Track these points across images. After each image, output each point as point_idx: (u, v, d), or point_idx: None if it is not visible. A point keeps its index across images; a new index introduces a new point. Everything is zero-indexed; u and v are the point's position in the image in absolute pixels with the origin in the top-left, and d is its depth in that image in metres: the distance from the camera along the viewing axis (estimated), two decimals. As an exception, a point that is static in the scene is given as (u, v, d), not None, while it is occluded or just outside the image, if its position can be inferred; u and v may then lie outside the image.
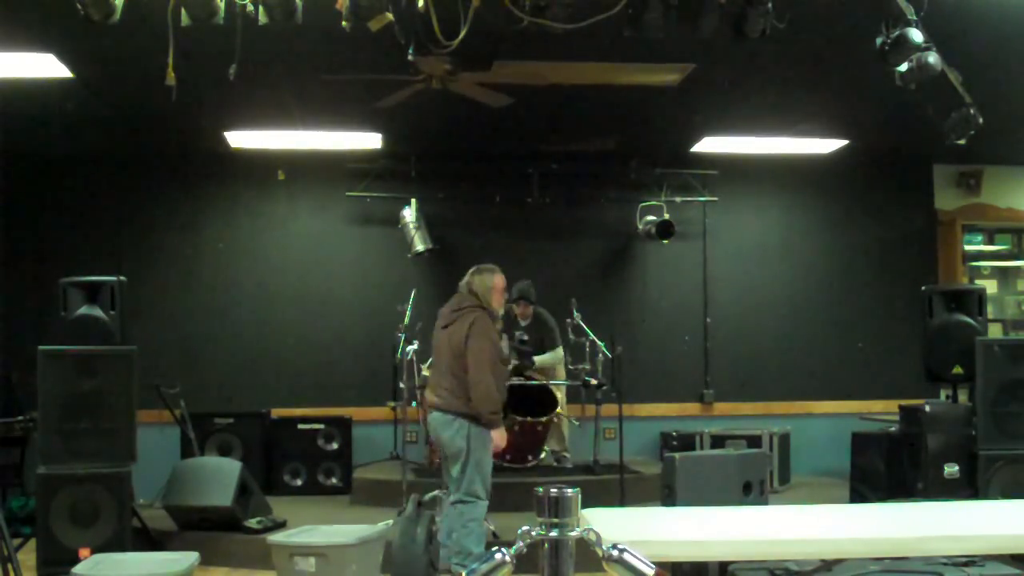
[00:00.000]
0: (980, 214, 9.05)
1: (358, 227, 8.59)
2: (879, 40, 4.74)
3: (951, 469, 6.19)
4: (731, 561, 3.88)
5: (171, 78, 4.23)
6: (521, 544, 1.82)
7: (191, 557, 4.76)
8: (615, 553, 1.79)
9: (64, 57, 5.75)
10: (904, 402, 6.78)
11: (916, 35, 4.62)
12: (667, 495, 5.10)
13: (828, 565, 3.64)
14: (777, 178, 8.83)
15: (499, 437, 5.31)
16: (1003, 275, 9.23)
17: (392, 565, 5.31)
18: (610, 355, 7.04)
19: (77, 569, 4.58)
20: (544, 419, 7.19)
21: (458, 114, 6.76)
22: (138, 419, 5.92)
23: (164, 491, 6.49)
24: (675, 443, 7.93)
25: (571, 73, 6.00)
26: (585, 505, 2.01)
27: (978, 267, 9.12)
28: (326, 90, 6.12)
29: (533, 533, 1.82)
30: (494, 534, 5.89)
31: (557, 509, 1.80)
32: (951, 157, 8.67)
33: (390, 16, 4.13)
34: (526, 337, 7.62)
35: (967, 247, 9.03)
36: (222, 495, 6.24)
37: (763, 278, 8.87)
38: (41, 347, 5.79)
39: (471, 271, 5.62)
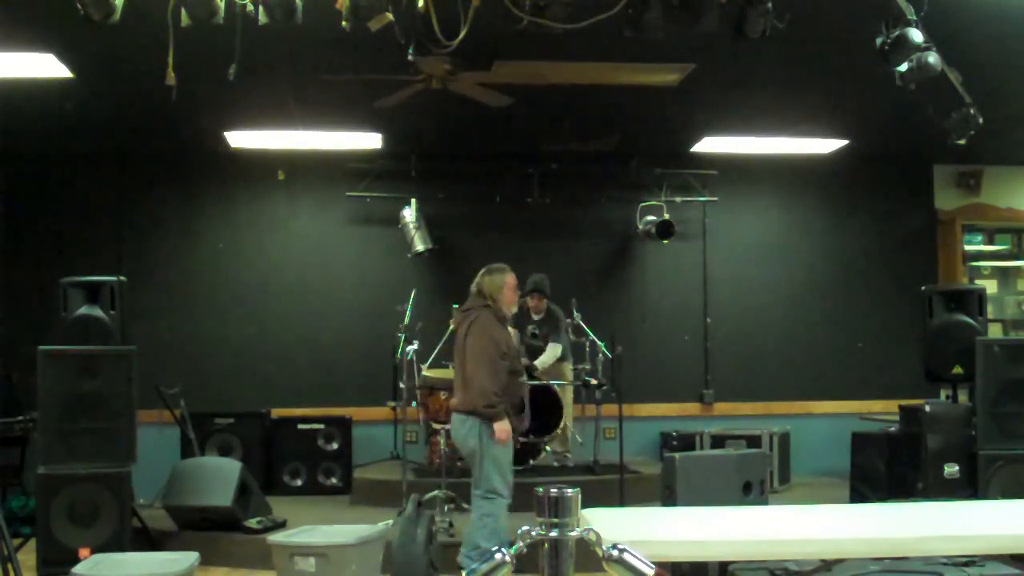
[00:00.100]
0: (980, 214, 9.06)
1: (358, 227, 8.59)
2: (879, 40, 4.74)
3: (951, 469, 6.19)
4: (731, 561, 3.88)
5: (171, 78, 4.23)
6: (521, 544, 1.82)
7: (191, 557, 4.76)
8: (615, 553, 1.80)
9: (64, 57, 5.75)
10: (904, 402, 6.79)
11: (916, 35, 4.62)
12: (667, 495, 5.10)
13: (828, 565, 3.65)
14: (777, 178, 8.83)
15: (499, 430, 5.30)
16: (1003, 275, 9.23)
17: (392, 565, 5.31)
18: (610, 355, 7.04)
19: (77, 569, 4.58)
20: (547, 438, 7.17)
21: (458, 114, 6.76)
22: (138, 419, 5.92)
23: (164, 491, 6.49)
24: (675, 443, 7.93)
25: (571, 73, 6.00)
26: (585, 505, 2.01)
27: (978, 267, 9.12)
28: (326, 90, 6.12)
29: (533, 533, 1.82)
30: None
31: (557, 509, 1.80)
32: (951, 157, 8.67)
33: (390, 16, 4.13)
34: (538, 331, 7.59)
35: (967, 247, 9.03)
36: (222, 495, 6.24)
37: (763, 278, 8.87)
38: (41, 347, 5.79)
39: (482, 271, 5.64)
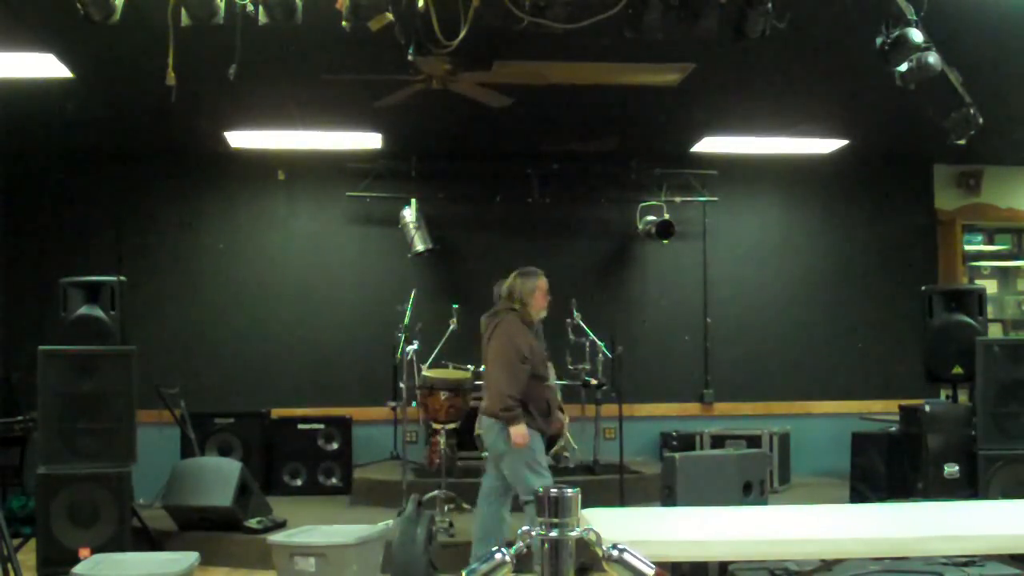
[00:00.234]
0: (980, 214, 9.05)
1: (358, 227, 8.58)
2: (879, 40, 4.74)
3: (951, 469, 6.19)
4: (731, 561, 3.88)
5: (171, 78, 4.22)
6: (521, 544, 1.82)
7: (191, 557, 4.76)
8: (615, 553, 1.79)
9: (64, 57, 5.75)
10: (904, 402, 6.79)
11: (916, 35, 4.62)
12: (667, 495, 5.10)
13: (828, 565, 3.65)
14: (777, 178, 8.83)
15: (515, 434, 5.28)
16: (1003, 275, 9.23)
17: (392, 565, 5.31)
18: (610, 355, 7.04)
19: (77, 569, 4.58)
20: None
21: (458, 114, 6.76)
22: (138, 419, 5.93)
23: (164, 491, 6.49)
24: (675, 443, 7.93)
25: (571, 73, 6.00)
26: (585, 505, 2.01)
27: (978, 267, 9.12)
28: (326, 90, 6.12)
29: (533, 533, 1.82)
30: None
31: (557, 509, 1.80)
32: (951, 157, 8.67)
33: (390, 16, 4.12)
34: None
35: (967, 247, 9.02)
36: (222, 495, 6.24)
37: (763, 278, 8.87)
38: (41, 347, 5.80)
39: (515, 274, 5.63)
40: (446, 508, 6.26)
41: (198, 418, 7.55)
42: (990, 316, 8.11)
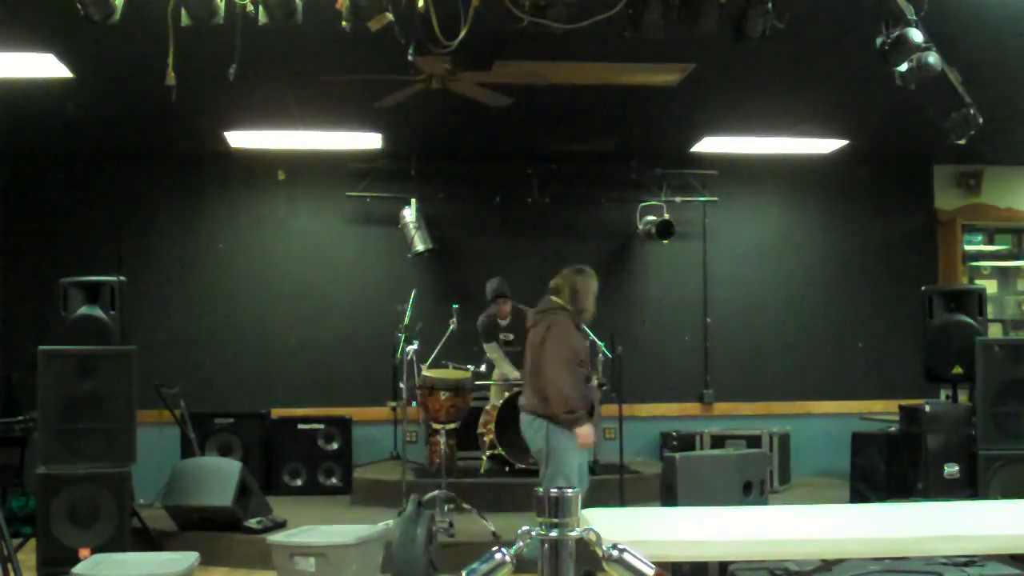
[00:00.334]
0: (980, 214, 9.05)
1: (358, 227, 8.58)
2: (879, 40, 4.74)
3: (951, 469, 6.19)
4: (731, 561, 3.88)
5: (171, 78, 4.22)
6: (521, 544, 1.82)
7: (191, 557, 4.76)
8: (615, 553, 1.79)
9: (64, 57, 5.75)
10: (904, 402, 6.79)
11: (916, 35, 4.62)
12: (667, 495, 5.11)
13: (828, 565, 3.64)
14: (777, 178, 8.83)
15: (583, 435, 5.27)
16: (1003, 275, 9.23)
17: (392, 565, 5.31)
18: (610, 355, 7.04)
19: (77, 569, 4.58)
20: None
21: (458, 114, 6.76)
22: (138, 419, 5.92)
23: (164, 491, 6.49)
24: (675, 443, 7.93)
25: (571, 73, 6.00)
26: (585, 505, 2.01)
27: (978, 267, 9.12)
28: (326, 90, 6.12)
29: (533, 533, 1.82)
30: (494, 534, 5.90)
31: (557, 509, 1.80)
32: (951, 157, 8.67)
33: (390, 16, 4.12)
34: (512, 336, 7.47)
35: (967, 247, 9.02)
36: (222, 495, 6.24)
37: (763, 278, 8.87)
38: (41, 347, 5.79)
39: (572, 270, 5.56)
40: (446, 508, 6.26)
41: (198, 418, 7.55)
42: (990, 316, 8.11)
